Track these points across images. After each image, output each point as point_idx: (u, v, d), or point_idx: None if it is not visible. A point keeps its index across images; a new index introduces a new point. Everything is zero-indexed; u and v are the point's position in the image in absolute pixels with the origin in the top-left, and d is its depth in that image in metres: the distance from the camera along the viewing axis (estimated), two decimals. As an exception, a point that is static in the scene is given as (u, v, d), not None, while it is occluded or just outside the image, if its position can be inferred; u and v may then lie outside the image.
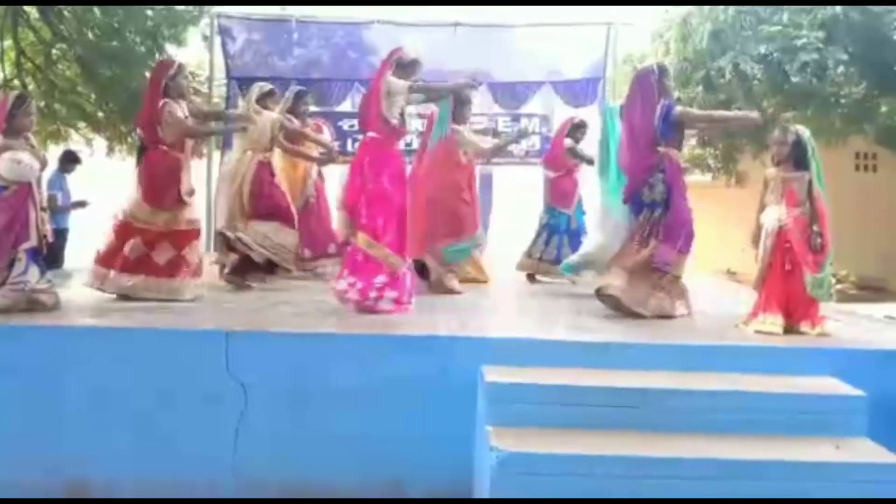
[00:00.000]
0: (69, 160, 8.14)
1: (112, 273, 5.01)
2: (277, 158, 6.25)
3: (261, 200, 5.77)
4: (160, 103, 4.97)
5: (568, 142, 6.88)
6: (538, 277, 6.88)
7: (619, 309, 4.68)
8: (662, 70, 4.96)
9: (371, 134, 4.90)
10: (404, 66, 4.90)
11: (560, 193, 6.91)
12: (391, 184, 4.82)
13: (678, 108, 4.85)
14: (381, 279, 4.68)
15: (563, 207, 6.90)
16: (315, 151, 6.62)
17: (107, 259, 5.05)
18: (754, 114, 4.97)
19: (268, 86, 6.28)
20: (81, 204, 7.96)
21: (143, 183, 5.04)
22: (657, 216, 4.76)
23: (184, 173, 5.10)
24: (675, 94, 5.07)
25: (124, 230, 5.04)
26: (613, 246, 5.20)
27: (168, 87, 5.04)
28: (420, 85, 5.06)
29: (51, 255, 5.16)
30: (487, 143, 6.42)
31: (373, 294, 4.67)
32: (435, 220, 5.76)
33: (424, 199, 5.73)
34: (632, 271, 4.71)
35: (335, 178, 7.62)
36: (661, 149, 4.80)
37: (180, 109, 5.07)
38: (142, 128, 5.09)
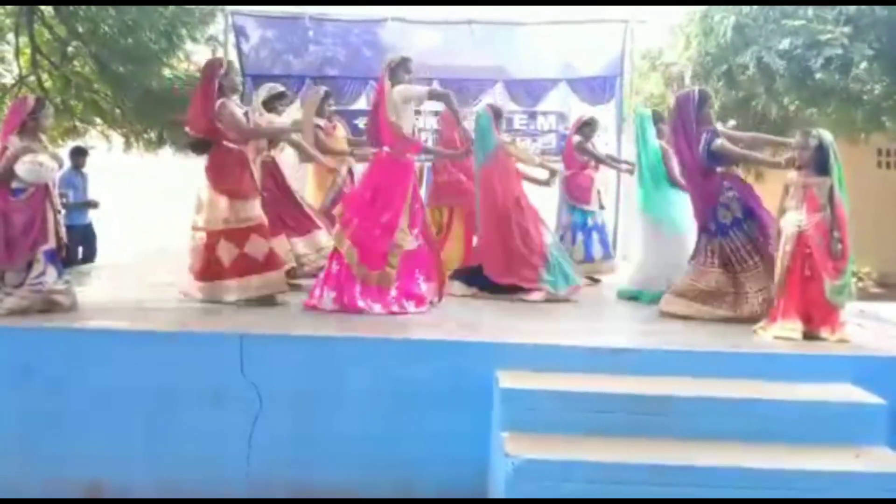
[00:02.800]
0: (79, 154, 8.24)
1: (222, 282, 5.00)
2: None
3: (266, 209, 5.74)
4: (218, 103, 4.96)
5: (576, 139, 6.90)
6: None
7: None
8: (703, 97, 4.94)
9: (385, 149, 4.91)
10: (396, 69, 4.90)
11: (576, 189, 6.91)
12: (395, 204, 4.88)
13: (717, 142, 4.81)
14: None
15: (581, 203, 6.88)
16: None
17: (207, 272, 5.03)
18: (790, 142, 4.81)
19: (278, 87, 6.20)
20: (90, 204, 8.04)
21: (220, 180, 5.01)
22: (753, 227, 4.78)
23: (251, 166, 5.13)
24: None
25: (211, 239, 5.01)
26: (674, 260, 5.26)
27: (222, 85, 5.04)
28: (441, 92, 5.13)
29: (67, 255, 5.21)
30: (537, 160, 6.40)
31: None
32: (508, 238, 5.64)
33: (493, 216, 5.70)
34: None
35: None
36: (719, 169, 4.83)
37: (237, 108, 5.10)
38: (199, 127, 5.05)
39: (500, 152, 5.80)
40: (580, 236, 6.84)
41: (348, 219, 4.94)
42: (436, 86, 5.19)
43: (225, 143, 5.02)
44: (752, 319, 4.59)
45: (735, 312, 4.71)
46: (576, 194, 6.93)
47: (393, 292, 4.84)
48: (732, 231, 4.80)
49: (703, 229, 4.96)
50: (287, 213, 5.83)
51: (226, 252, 4.95)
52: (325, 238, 5.87)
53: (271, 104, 5.97)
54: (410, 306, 4.86)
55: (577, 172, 6.94)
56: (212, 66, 5.20)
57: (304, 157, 6.35)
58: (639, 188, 5.95)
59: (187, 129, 5.11)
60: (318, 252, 5.85)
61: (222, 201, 4.98)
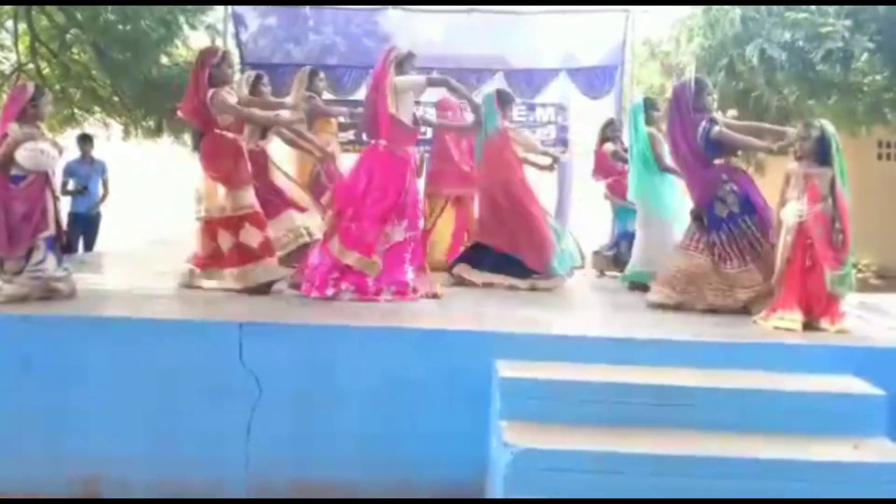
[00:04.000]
0: (83, 141, 8.25)
1: (221, 270, 5.02)
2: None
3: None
4: (209, 93, 4.93)
5: (609, 147, 6.81)
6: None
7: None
8: (700, 86, 4.89)
9: (382, 142, 4.86)
10: (403, 64, 4.87)
11: (623, 194, 6.82)
12: (389, 197, 4.86)
13: (716, 129, 4.78)
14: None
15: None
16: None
17: (208, 260, 5.08)
18: (788, 131, 4.80)
19: (253, 74, 6.19)
20: (80, 191, 8.04)
21: (212, 167, 5.01)
22: (750, 224, 4.72)
23: (244, 154, 5.10)
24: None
25: (211, 227, 5.04)
26: (664, 243, 5.26)
27: (212, 75, 4.99)
28: (439, 78, 5.03)
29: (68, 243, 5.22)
30: (540, 148, 6.30)
31: (330, 290, 4.76)
32: (495, 223, 5.65)
33: (490, 195, 5.71)
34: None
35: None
36: (717, 161, 4.78)
37: (229, 96, 5.05)
38: (191, 116, 5.06)
39: (499, 135, 5.76)
40: None
41: (341, 208, 4.92)
42: (434, 74, 5.13)
43: (217, 131, 5.00)
44: (738, 310, 4.60)
45: (723, 301, 4.69)
46: (626, 197, 6.84)
47: (370, 280, 4.82)
48: (727, 225, 4.75)
49: (696, 218, 4.92)
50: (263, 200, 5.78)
51: (224, 241, 4.96)
52: (297, 218, 5.81)
53: (256, 90, 5.92)
54: (387, 294, 4.83)
55: (617, 180, 6.84)
56: (204, 55, 5.17)
57: (295, 145, 6.24)
58: (630, 175, 5.95)
59: (179, 113, 5.10)
60: (290, 232, 5.77)
61: (218, 189, 4.98)
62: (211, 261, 5.06)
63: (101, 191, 8.27)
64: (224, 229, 4.96)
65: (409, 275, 5.00)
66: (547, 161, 6.46)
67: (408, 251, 5.04)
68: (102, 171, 8.26)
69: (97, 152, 8.42)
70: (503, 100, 5.92)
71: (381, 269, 4.86)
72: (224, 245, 4.97)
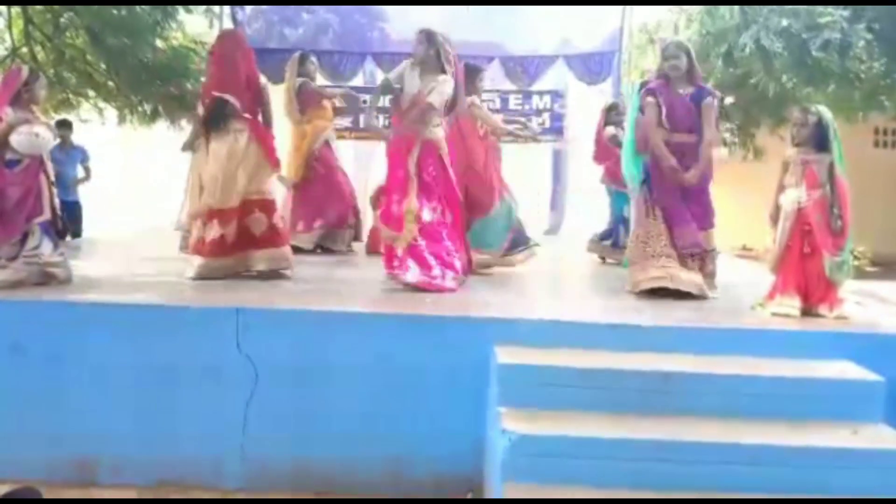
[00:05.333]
0: (61, 128, 8.13)
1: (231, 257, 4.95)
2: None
3: None
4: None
5: (609, 131, 6.74)
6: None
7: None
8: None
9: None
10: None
11: (619, 178, 6.75)
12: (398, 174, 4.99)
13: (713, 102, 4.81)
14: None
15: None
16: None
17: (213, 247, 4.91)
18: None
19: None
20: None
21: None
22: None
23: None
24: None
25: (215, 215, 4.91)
26: None
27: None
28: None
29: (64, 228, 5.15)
30: (501, 125, 6.17)
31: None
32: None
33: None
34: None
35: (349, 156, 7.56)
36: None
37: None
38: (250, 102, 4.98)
39: (463, 115, 5.62)
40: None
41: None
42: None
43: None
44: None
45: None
46: (621, 184, 6.74)
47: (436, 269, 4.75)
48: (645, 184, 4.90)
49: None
50: None
51: (230, 227, 4.85)
52: None
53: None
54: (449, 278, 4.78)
55: (616, 163, 6.74)
56: (231, 41, 5.17)
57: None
58: (625, 157, 5.90)
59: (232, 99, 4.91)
60: None
61: (237, 177, 4.85)
62: (216, 248, 4.86)
63: (78, 177, 8.13)
64: (230, 216, 4.85)
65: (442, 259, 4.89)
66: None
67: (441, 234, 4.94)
68: (82, 157, 8.11)
69: (92, 138, 8.34)
70: (470, 72, 5.67)
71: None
72: (229, 231, 4.85)
